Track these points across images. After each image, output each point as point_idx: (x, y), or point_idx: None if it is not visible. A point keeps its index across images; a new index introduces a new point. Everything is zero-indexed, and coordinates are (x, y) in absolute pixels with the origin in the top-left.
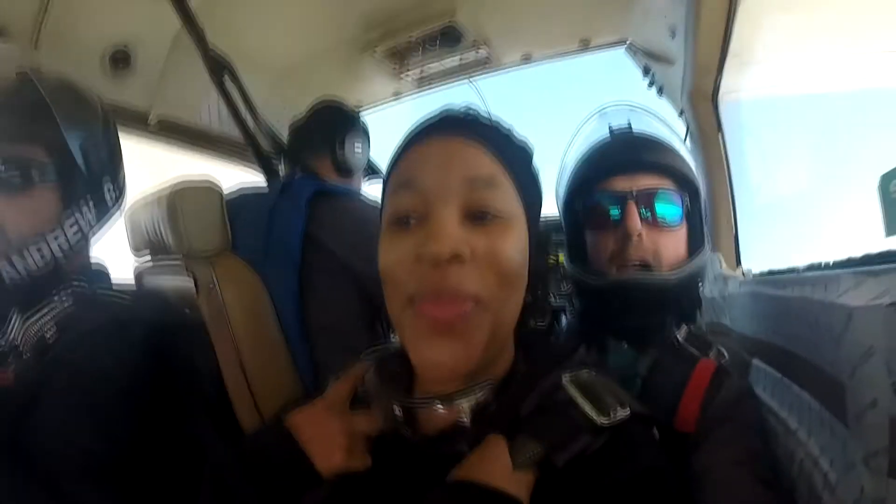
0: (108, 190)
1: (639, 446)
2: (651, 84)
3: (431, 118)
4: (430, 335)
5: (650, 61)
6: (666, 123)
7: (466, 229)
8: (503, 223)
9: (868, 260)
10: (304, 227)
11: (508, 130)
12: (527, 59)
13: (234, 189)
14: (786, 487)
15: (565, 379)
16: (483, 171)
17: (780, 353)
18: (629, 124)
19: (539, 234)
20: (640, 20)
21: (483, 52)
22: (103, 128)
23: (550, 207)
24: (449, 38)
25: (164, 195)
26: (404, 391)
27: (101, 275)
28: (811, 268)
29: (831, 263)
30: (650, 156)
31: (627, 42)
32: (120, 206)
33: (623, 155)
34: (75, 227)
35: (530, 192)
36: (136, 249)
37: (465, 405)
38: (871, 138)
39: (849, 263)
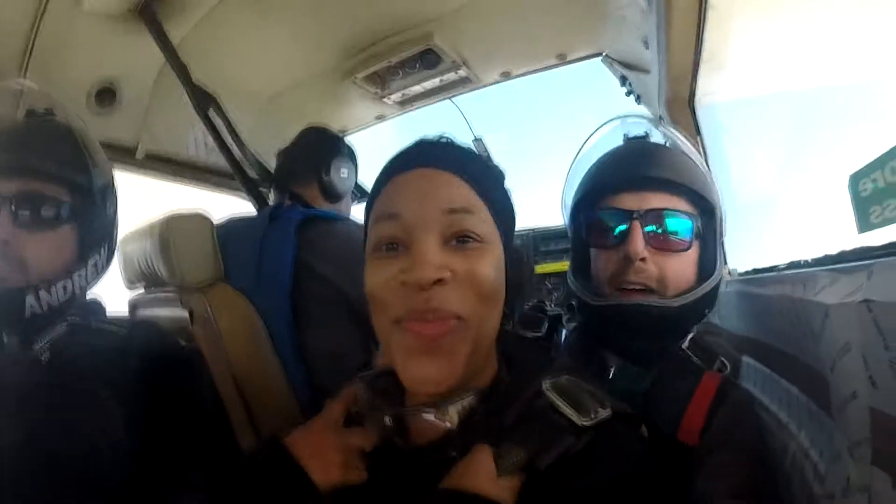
0: (117, 229)
1: (622, 445)
2: (629, 93)
3: (408, 149)
4: (417, 352)
5: (626, 71)
6: (681, 137)
7: (447, 253)
8: (481, 246)
9: (843, 257)
10: (294, 254)
11: (480, 156)
12: (506, 75)
13: (225, 218)
14: (782, 480)
15: (545, 385)
16: (460, 201)
17: (768, 350)
18: (646, 133)
19: (514, 251)
20: (613, 33)
21: (462, 72)
22: (113, 177)
23: (537, 217)
24: (428, 60)
25: (156, 227)
26: (395, 404)
27: (97, 307)
28: (791, 266)
29: (810, 261)
30: (663, 171)
31: (603, 54)
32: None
33: (633, 169)
34: (95, 269)
35: (504, 215)
36: (130, 282)
37: (451, 411)
38: (843, 134)
39: (825, 260)
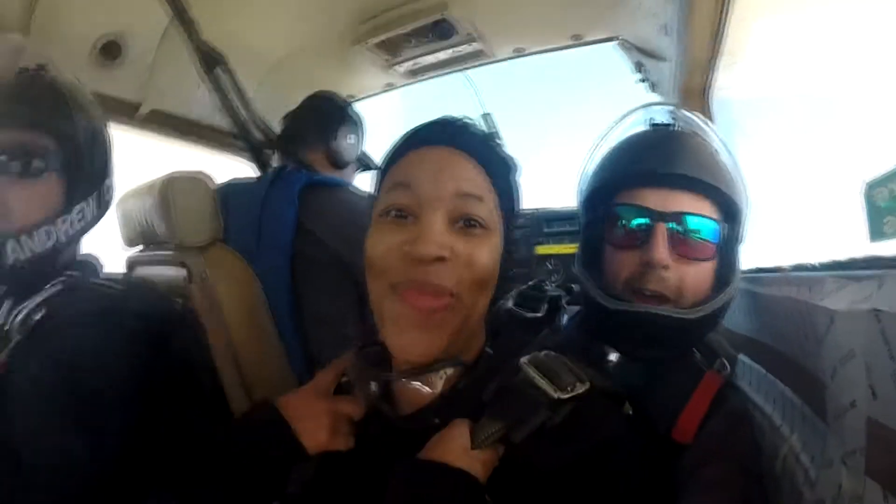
0: (108, 189)
1: (600, 419)
2: (643, 79)
3: (431, 125)
4: (409, 322)
5: (642, 57)
6: (726, 147)
7: (451, 233)
8: (483, 232)
9: (852, 264)
10: (296, 217)
11: (499, 145)
12: (519, 52)
13: (226, 180)
14: (771, 483)
15: (523, 360)
16: (472, 187)
17: (766, 350)
18: (673, 122)
19: (511, 242)
20: (631, 17)
21: (476, 45)
22: (104, 129)
23: (543, 197)
24: (441, 31)
25: (156, 185)
26: (382, 371)
27: (92, 267)
28: (798, 268)
29: (817, 265)
30: (693, 169)
31: (619, 38)
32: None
33: (660, 162)
34: (81, 217)
35: (509, 206)
36: (129, 241)
37: (434, 378)
38: (856, 141)
39: (834, 266)
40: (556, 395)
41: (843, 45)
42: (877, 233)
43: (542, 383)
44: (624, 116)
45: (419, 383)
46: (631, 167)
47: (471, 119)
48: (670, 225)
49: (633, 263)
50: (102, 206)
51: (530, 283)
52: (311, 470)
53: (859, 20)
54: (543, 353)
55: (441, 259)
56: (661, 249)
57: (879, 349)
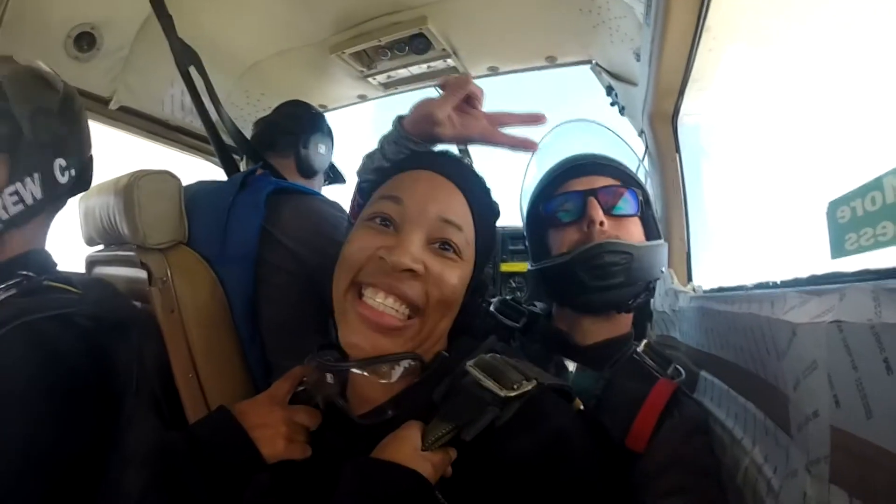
0: (60, 168)
1: (549, 413)
2: (613, 103)
3: (427, 152)
4: (365, 327)
5: (614, 81)
6: (620, 137)
7: (427, 251)
8: (456, 258)
9: (813, 280)
10: (261, 223)
11: (486, 189)
12: (494, 70)
13: (194, 182)
14: (733, 495)
15: (469, 364)
16: (455, 216)
17: (727, 366)
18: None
19: (480, 281)
20: (605, 41)
21: (451, 61)
22: (60, 109)
23: (506, 216)
24: (418, 45)
25: (122, 182)
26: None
27: (48, 263)
28: (759, 286)
29: (778, 282)
30: (603, 160)
31: (593, 62)
32: (80, 189)
33: (580, 159)
34: (16, 198)
35: (485, 246)
36: (89, 239)
37: (388, 369)
38: (821, 164)
39: (795, 283)
40: (502, 393)
41: (809, 69)
42: (838, 250)
43: (489, 383)
44: (547, 133)
45: (375, 375)
46: (560, 170)
47: (469, 160)
48: (602, 200)
49: (577, 233)
50: (54, 186)
51: (510, 297)
52: (268, 477)
53: (827, 46)
54: (489, 355)
55: (412, 272)
56: (597, 209)
57: (842, 359)
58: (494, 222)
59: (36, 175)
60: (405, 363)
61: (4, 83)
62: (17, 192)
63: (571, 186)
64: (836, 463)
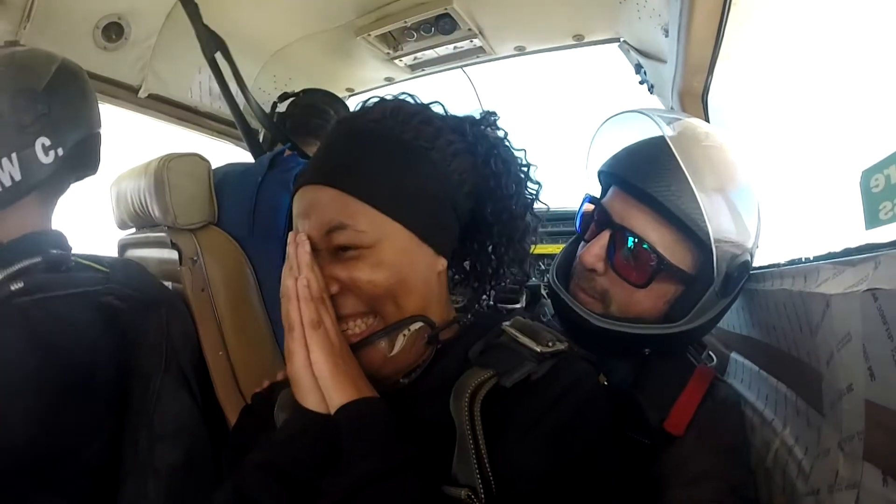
0: (43, 147)
1: (578, 373)
2: (643, 81)
3: (308, 163)
4: None
5: (642, 58)
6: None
7: (334, 264)
8: (358, 253)
9: (847, 254)
10: (290, 202)
11: (378, 145)
12: (520, 50)
13: (222, 165)
14: (763, 476)
15: (506, 324)
16: (332, 218)
17: (758, 346)
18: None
19: (428, 227)
20: (633, 18)
21: (477, 41)
22: (47, 88)
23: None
24: (444, 26)
25: (152, 165)
26: None
27: (56, 246)
28: (792, 262)
29: (811, 258)
30: (661, 191)
31: (621, 40)
32: (80, 168)
33: (635, 171)
34: None
35: (409, 196)
36: (121, 222)
37: (383, 344)
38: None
39: (828, 257)
40: (538, 348)
41: (839, 42)
42: (872, 219)
43: (525, 339)
44: (613, 116)
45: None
46: (614, 166)
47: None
48: (615, 244)
49: (581, 246)
50: (39, 170)
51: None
52: None
53: (857, 17)
54: (522, 318)
55: (331, 292)
56: (592, 253)
57: (877, 329)
58: (413, 162)
59: (13, 156)
60: (414, 326)
61: None
62: None
63: (615, 199)
64: (871, 439)
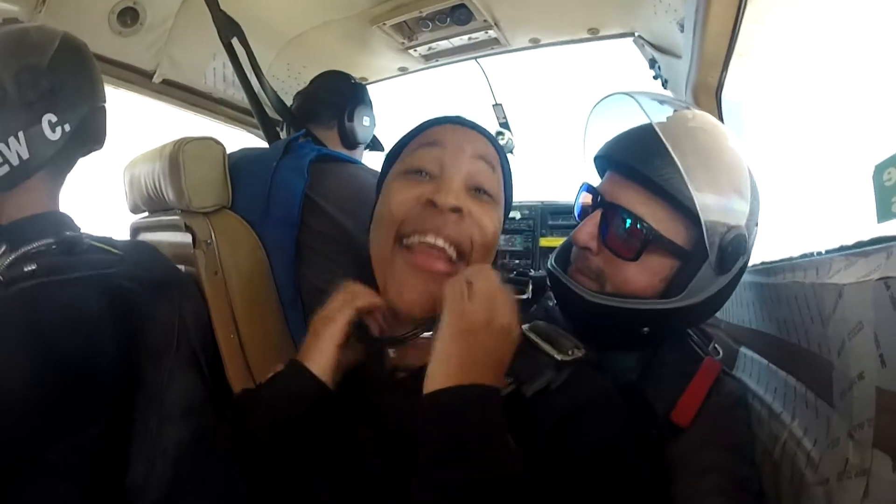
0: (50, 123)
1: (595, 380)
2: (657, 76)
3: (446, 115)
4: (414, 278)
5: (657, 53)
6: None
7: (467, 196)
8: (491, 202)
9: (859, 246)
10: (304, 189)
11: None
12: (535, 43)
13: (237, 150)
14: (770, 468)
15: (525, 328)
16: (490, 154)
17: (768, 340)
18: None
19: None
20: (649, 13)
21: (492, 33)
22: (51, 64)
23: (546, 190)
24: (459, 16)
25: (167, 149)
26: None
27: (63, 227)
28: (804, 256)
29: (823, 252)
30: (649, 167)
31: (636, 34)
32: (87, 143)
33: (625, 151)
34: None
35: (508, 191)
36: (135, 206)
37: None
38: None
39: (840, 251)
40: (559, 357)
41: (855, 38)
42: (885, 213)
43: (546, 347)
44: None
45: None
46: (605, 150)
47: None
48: (605, 221)
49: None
50: (46, 147)
51: (514, 272)
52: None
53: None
54: (540, 322)
55: (457, 210)
56: (584, 231)
57: (889, 317)
58: (510, 175)
59: (20, 134)
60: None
61: None
62: (0, 154)
63: (604, 181)
64: (881, 426)
